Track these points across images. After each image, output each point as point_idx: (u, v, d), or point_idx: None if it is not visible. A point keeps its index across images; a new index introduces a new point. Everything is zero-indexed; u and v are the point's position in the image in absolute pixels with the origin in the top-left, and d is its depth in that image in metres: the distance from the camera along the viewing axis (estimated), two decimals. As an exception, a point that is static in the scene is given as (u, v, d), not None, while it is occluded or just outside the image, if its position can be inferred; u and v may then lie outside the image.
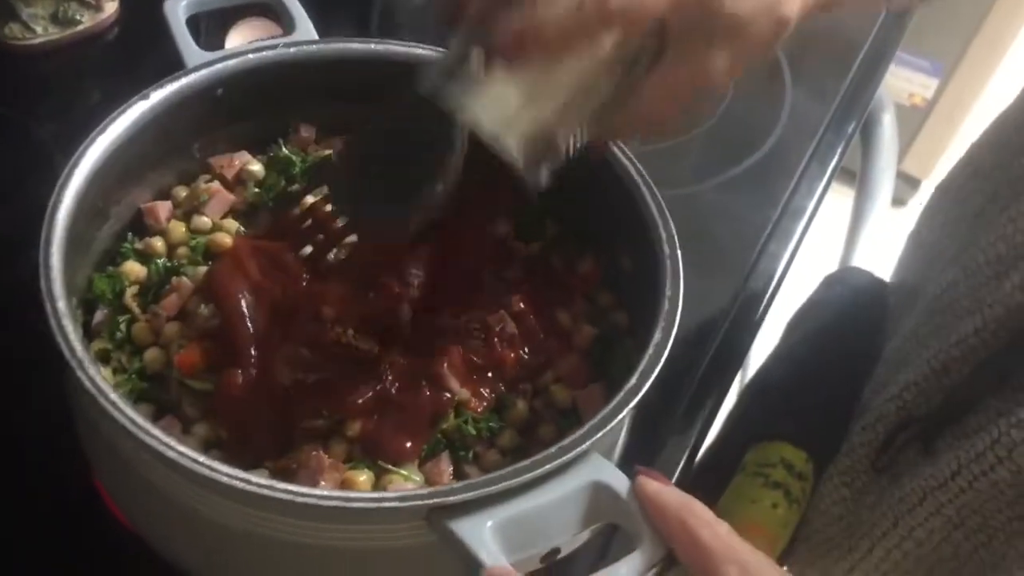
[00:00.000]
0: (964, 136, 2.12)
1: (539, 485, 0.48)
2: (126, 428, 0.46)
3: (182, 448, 0.46)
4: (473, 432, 0.58)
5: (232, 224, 0.65)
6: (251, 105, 0.65)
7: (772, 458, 0.68)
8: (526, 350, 0.62)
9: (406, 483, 0.56)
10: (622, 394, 0.51)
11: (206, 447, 0.57)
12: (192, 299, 0.60)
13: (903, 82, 2.09)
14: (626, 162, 0.63)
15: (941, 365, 0.61)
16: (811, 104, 0.97)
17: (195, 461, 0.45)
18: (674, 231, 0.59)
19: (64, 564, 0.60)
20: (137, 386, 0.58)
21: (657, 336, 0.54)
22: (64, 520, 0.60)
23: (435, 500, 0.46)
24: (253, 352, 0.57)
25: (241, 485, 0.45)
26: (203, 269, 0.62)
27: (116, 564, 0.59)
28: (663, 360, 0.53)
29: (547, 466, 0.47)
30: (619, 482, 0.47)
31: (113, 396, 0.47)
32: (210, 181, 0.66)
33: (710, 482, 0.71)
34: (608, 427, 0.49)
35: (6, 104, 0.80)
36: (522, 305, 0.63)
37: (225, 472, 0.45)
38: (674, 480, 0.69)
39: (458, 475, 0.58)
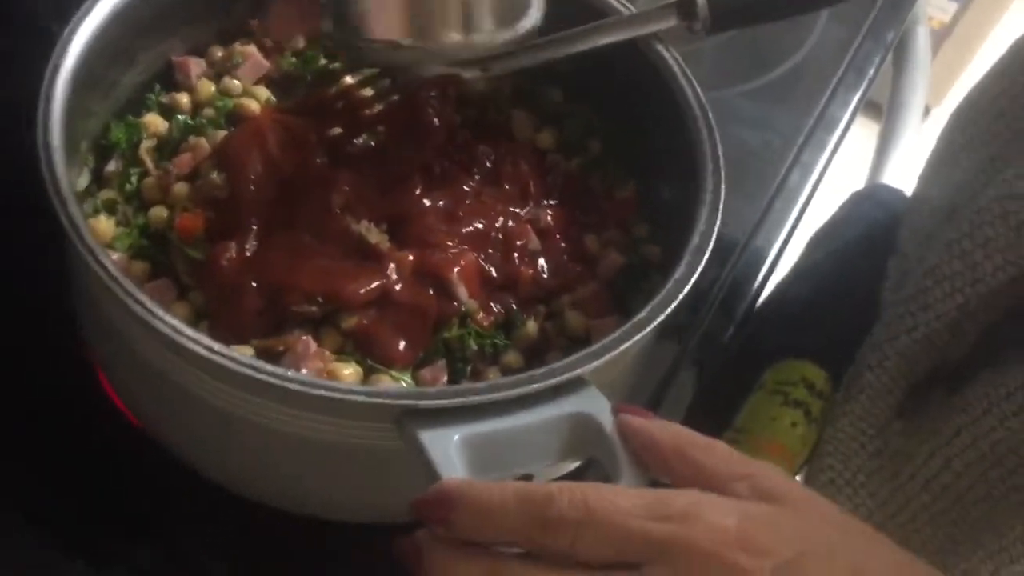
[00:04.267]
0: (978, 64, 2.03)
1: (521, 406, 0.44)
2: (89, 265, 0.43)
3: (145, 299, 0.43)
4: (475, 346, 0.55)
5: (263, 92, 0.62)
6: (300, -30, 0.62)
7: (793, 376, 0.65)
8: (545, 269, 0.58)
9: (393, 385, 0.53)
10: (628, 325, 0.47)
11: (197, 317, 0.54)
12: (206, 163, 0.57)
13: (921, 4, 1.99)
14: (687, 87, 0.58)
15: (968, 307, 0.57)
16: (848, 10, 0.92)
17: (149, 310, 0.42)
18: (723, 167, 0.55)
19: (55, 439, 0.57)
20: (137, 242, 0.56)
21: (680, 271, 0.49)
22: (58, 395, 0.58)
23: (404, 401, 0.42)
24: (253, 228, 0.54)
25: (195, 346, 0.42)
26: (223, 134, 0.59)
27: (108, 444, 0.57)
28: (681, 297, 0.48)
29: (530, 386, 0.44)
30: (606, 416, 0.43)
31: (89, 240, 0.45)
32: (247, 43, 0.62)
33: (725, 399, 0.68)
34: (606, 357, 0.46)
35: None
36: (550, 221, 0.59)
37: (183, 332, 0.42)
38: (684, 412, 0.66)
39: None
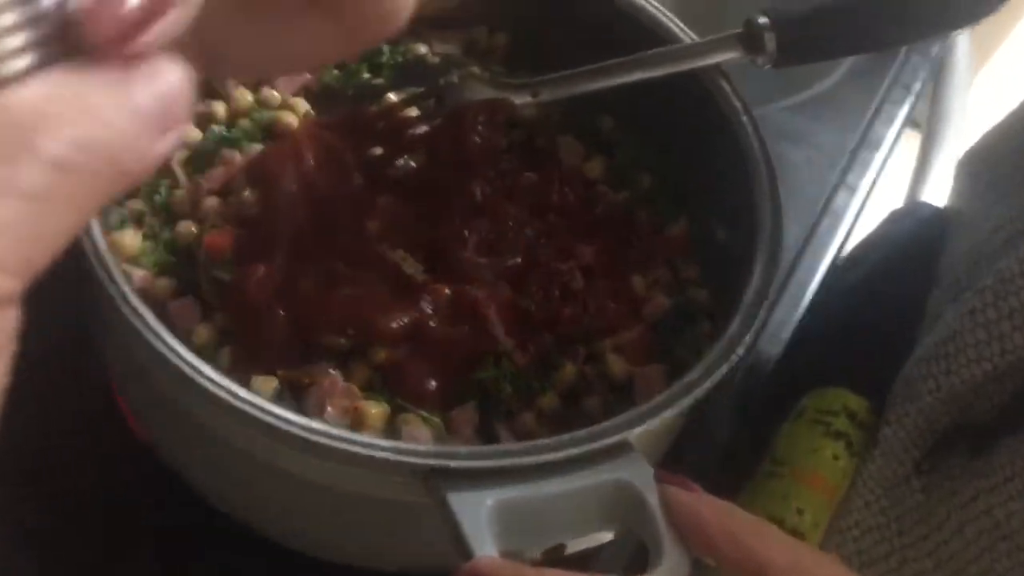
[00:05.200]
0: (1008, 48, 1.97)
1: (559, 470, 0.41)
2: (103, 284, 0.40)
3: (163, 332, 0.41)
4: (510, 388, 0.52)
5: (302, 105, 0.59)
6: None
7: (834, 405, 0.62)
8: (587, 309, 0.55)
9: (423, 426, 0.50)
10: (677, 386, 0.44)
11: (221, 340, 0.52)
12: (238, 178, 0.55)
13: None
14: (748, 124, 0.55)
15: (995, 372, 0.54)
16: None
17: (166, 344, 0.40)
18: (782, 210, 0.51)
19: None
20: (163, 258, 0.53)
21: (734, 327, 0.46)
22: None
23: (435, 461, 0.40)
24: (284, 250, 0.52)
25: (216, 390, 0.39)
26: (258, 147, 0.56)
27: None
28: (737, 357, 0.45)
29: (570, 451, 0.41)
30: (649, 486, 0.40)
31: (106, 256, 0.42)
32: (288, 53, 0.60)
33: (760, 427, 0.65)
34: (654, 421, 0.42)
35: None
36: (595, 258, 0.56)
37: (202, 372, 0.40)
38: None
39: (484, 431, 0.51)
